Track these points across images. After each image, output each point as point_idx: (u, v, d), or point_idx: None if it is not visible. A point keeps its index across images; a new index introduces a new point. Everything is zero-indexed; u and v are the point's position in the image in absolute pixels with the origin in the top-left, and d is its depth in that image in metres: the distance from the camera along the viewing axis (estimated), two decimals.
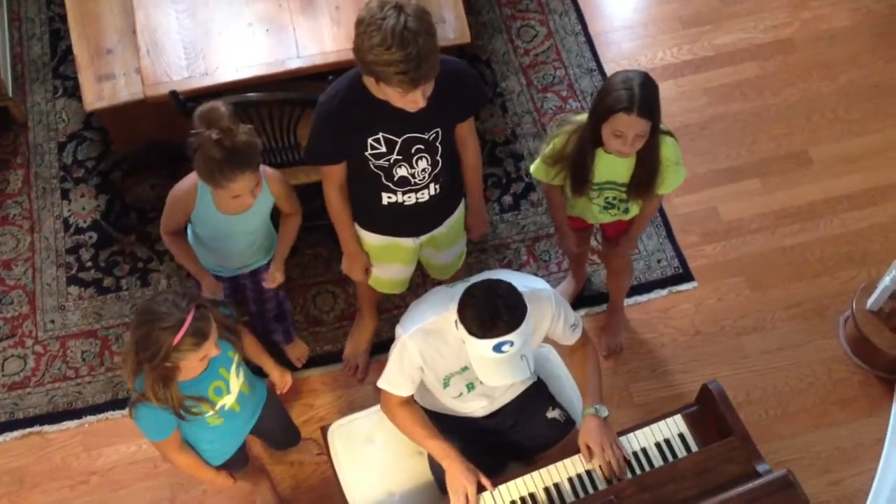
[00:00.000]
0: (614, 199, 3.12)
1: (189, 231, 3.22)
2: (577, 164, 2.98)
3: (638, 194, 3.05)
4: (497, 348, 2.52)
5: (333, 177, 2.95)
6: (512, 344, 2.52)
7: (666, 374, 3.73)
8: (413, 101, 2.62)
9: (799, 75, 4.35)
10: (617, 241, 3.36)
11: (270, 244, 3.33)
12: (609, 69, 4.33)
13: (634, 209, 3.19)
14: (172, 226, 3.08)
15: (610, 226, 3.34)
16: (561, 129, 3.03)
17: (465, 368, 2.78)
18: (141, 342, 2.53)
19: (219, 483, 3.00)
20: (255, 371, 3.12)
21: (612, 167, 2.99)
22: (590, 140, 2.90)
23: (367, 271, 3.24)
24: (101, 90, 3.55)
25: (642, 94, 2.75)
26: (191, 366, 2.62)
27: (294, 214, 3.23)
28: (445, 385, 2.83)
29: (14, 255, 3.95)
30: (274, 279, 3.26)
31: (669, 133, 2.99)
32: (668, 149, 2.97)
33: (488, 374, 2.61)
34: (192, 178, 2.99)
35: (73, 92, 4.23)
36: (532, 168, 3.15)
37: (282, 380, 3.17)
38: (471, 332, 2.53)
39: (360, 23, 2.53)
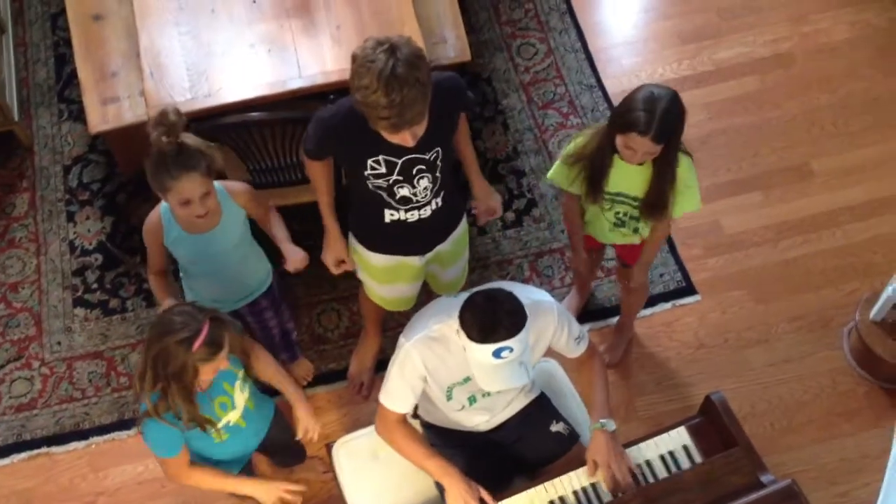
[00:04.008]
0: (625, 214, 3.11)
1: (181, 273, 3.20)
2: (595, 166, 2.98)
3: (651, 213, 3.03)
4: (496, 354, 2.54)
5: None
6: (511, 350, 2.55)
7: (671, 388, 3.73)
8: (401, 139, 2.64)
9: (799, 89, 4.37)
10: (630, 270, 3.35)
11: (265, 272, 3.28)
12: (609, 85, 4.35)
13: (645, 231, 3.18)
14: (156, 264, 3.07)
15: (624, 250, 3.35)
16: (583, 131, 3.05)
17: (467, 379, 2.79)
18: (159, 357, 2.54)
19: (248, 488, 2.92)
20: (264, 389, 3.11)
21: (628, 177, 2.98)
22: (609, 145, 2.90)
23: (340, 264, 3.17)
24: (106, 113, 3.57)
25: (662, 120, 2.73)
26: (203, 378, 2.63)
27: (268, 212, 3.16)
28: (448, 397, 2.84)
29: (21, 278, 3.98)
30: (294, 260, 3.05)
31: (686, 152, 2.97)
32: (682, 168, 2.95)
33: (487, 380, 2.63)
34: (156, 209, 2.99)
35: (78, 115, 4.26)
36: (550, 172, 3.14)
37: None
38: (471, 337, 2.56)
39: (353, 59, 2.55)
